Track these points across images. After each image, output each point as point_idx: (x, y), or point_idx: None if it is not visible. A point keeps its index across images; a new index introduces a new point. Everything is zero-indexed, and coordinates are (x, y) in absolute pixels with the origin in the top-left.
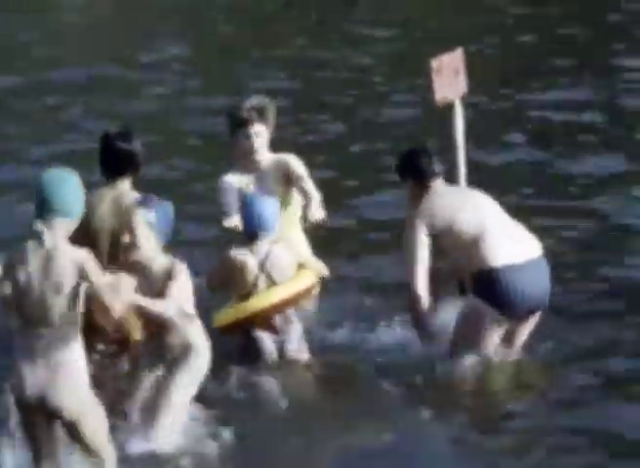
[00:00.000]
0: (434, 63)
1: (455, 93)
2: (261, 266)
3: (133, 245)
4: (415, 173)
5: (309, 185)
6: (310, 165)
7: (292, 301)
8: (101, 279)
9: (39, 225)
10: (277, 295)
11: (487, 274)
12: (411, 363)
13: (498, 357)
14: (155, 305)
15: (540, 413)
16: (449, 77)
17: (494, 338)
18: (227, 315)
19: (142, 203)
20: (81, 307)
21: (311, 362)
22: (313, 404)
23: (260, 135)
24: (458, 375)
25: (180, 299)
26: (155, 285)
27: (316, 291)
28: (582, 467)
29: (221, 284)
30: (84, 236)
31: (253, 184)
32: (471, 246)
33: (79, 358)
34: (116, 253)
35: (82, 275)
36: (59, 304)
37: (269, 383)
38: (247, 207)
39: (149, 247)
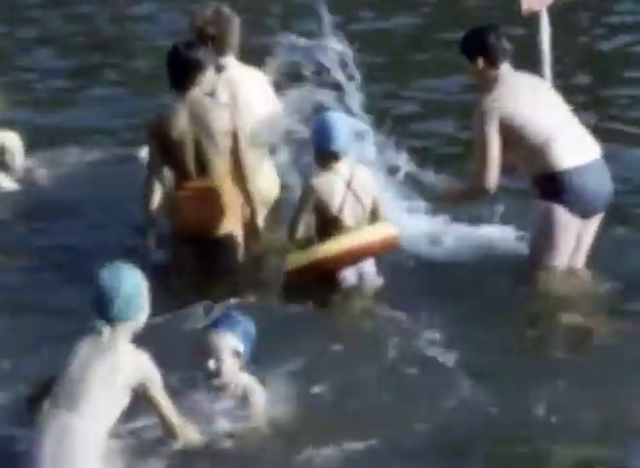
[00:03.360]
0: None
1: (541, 2)
2: (348, 186)
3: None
4: (485, 49)
5: None
6: None
7: (369, 250)
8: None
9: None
10: (354, 240)
11: (555, 176)
12: None
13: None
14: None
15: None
16: None
17: (570, 242)
18: (302, 256)
19: (228, 326)
20: None
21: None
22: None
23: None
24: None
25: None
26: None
27: (396, 243)
28: None
29: (307, 220)
30: (165, 152)
31: None
32: (540, 148)
33: None
34: (203, 163)
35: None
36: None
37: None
38: (325, 125)
39: (233, 369)
